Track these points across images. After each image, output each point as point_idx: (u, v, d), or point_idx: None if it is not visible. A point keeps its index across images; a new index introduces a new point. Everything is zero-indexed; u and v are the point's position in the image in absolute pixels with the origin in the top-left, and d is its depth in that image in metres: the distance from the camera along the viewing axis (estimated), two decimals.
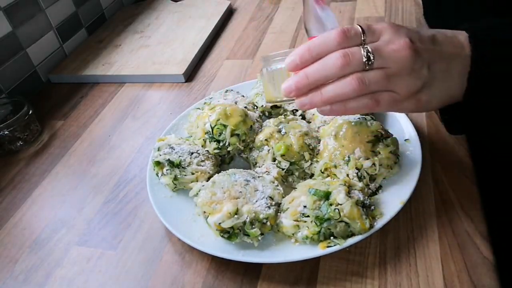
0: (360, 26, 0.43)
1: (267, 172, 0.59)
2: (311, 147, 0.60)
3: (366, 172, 0.56)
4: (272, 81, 0.51)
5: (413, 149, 0.60)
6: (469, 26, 0.47)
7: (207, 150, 0.63)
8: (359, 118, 0.60)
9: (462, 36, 0.46)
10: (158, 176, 0.62)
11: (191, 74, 0.94)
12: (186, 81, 0.92)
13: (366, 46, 0.43)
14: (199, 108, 0.70)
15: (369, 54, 0.42)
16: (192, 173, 0.61)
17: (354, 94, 0.43)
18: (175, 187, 0.61)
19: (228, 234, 0.52)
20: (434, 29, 0.46)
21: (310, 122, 0.67)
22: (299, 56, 0.44)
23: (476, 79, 0.45)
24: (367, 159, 0.56)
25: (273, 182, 0.57)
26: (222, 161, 0.66)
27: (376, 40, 0.44)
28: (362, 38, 0.43)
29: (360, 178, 0.56)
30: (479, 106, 0.47)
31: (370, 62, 0.42)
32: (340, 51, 0.43)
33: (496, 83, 0.45)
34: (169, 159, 0.61)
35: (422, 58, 0.43)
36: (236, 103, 0.69)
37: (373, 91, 0.44)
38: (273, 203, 0.54)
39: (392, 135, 0.59)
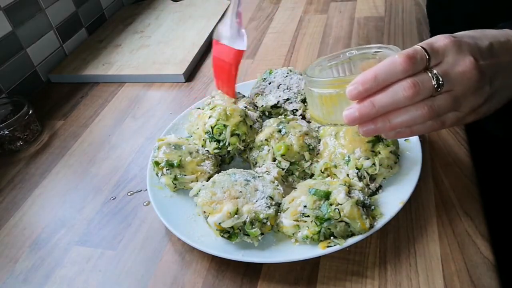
0: (423, 48, 0.43)
1: (267, 172, 0.59)
2: (311, 147, 0.60)
3: (366, 172, 0.56)
4: (324, 103, 0.49)
5: (413, 149, 0.60)
6: None
7: (207, 150, 0.63)
8: None
9: None
10: (158, 176, 0.62)
11: (191, 74, 0.94)
12: (186, 81, 0.92)
13: (434, 72, 0.42)
14: (199, 108, 0.70)
15: (439, 81, 0.42)
16: (192, 173, 0.61)
17: (423, 120, 0.43)
18: (175, 187, 0.61)
19: (228, 234, 0.52)
20: (486, 34, 0.46)
21: (310, 122, 0.67)
22: (363, 85, 0.43)
23: None
24: (367, 159, 0.56)
25: (273, 182, 0.57)
26: (222, 161, 0.66)
27: (440, 61, 0.43)
28: (427, 61, 0.42)
29: (360, 178, 0.56)
30: None
31: (439, 89, 0.42)
32: (410, 80, 0.42)
33: None
34: (168, 160, 0.61)
35: (485, 75, 0.43)
36: (236, 103, 0.69)
37: (440, 114, 0.44)
38: (273, 203, 0.54)
39: None
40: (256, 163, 0.62)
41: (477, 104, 0.44)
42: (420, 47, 0.43)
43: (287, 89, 0.70)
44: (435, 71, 0.42)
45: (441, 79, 0.42)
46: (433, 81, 0.42)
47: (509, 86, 0.45)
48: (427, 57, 0.42)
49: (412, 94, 0.42)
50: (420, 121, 0.43)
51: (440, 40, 0.43)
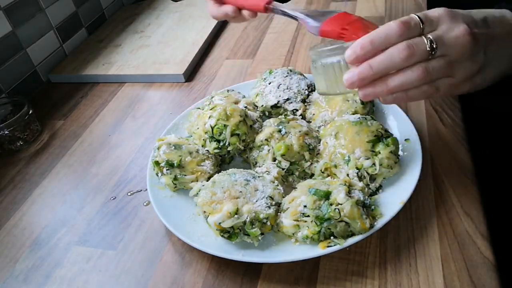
0: (418, 16, 0.45)
1: (267, 172, 0.59)
2: (311, 147, 0.60)
3: (366, 172, 0.56)
4: (327, 73, 0.52)
5: (413, 149, 0.60)
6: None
7: (207, 150, 0.63)
8: (359, 118, 0.60)
9: (509, 14, 0.47)
10: (158, 176, 0.62)
11: (191, 74, 0.94)
12: (186, 81, 0.92)
13: (428, 36, 0.44)
14: (199, 108, 0.70)
15: (432, 44, 0.43)
16: (192, 173, 0.61)
17: (419, 83, 0.45)
18: (175, 187, 0.61)
19: (228, 233, 0.52)
20: (481, 10, 0.48)
21: (310, 122, 0.67)
22: (361, 48, 0.45)
23: None
24: (367, 159, 0.56)
25: (273, 182, 0.57)
26: (222, 161, 0.66)
27: (434, 28, 0.45)
28: (421, 28, 0.44)
29: (360, 178, 0.56)
30: None
31: (433, 52, 0.44)
32: (405, 43, 0.44)
33: None
34: (168, 159, 0.61)
35: (479, 42, 0.44)
36: (236, 103, 0.69)
37: (435, 78, 0.45)
38: (273, 203, 0.54)
39: (392, 135, 0.59)
40: (256, 163, 0.62)
41: (471, 72, 0.45)
42: (414, 15, 0.45)
43: (287, 89, 0.70)
44: (429, 36, 0.44)
45: (435, 43, 0.43)
46: (427, 44, 0.43)
47: (502, 57, 0.47)
48: (421, 23, 0.44)
49: (407, 55, 0.43)
50: (415, 83, 0.45)
51: (435, 11, 0.45)
